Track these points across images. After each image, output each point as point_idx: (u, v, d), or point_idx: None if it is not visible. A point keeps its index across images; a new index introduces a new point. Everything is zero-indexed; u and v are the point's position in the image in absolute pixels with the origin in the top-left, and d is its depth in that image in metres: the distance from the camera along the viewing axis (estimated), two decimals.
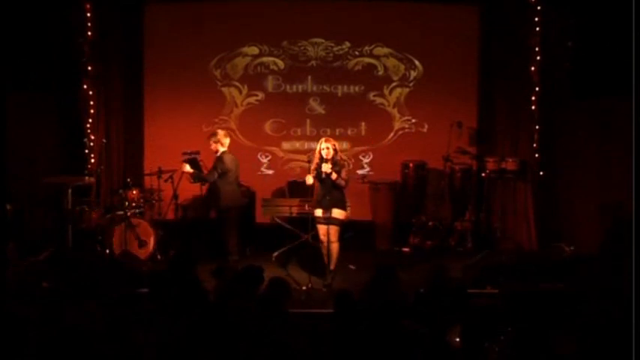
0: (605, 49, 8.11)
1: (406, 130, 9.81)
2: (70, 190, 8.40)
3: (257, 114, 9.76)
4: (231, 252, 8.08)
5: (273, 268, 7.70)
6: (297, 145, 9.81)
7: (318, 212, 7.46)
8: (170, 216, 8.66)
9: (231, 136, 9.29)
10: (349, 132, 9.81)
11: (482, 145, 9.47)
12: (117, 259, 7.91)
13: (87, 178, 8.89)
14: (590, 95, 8.45)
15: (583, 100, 8.65)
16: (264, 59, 9.72)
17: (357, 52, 9.71)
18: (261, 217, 8.73)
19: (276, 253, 8.28)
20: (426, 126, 9.77)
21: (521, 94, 9.20)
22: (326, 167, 7.34)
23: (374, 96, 9.76)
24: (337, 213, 7.42)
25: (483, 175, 9.20)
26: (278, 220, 8.21)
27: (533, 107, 9.10)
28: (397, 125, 9.80)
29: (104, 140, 9.20)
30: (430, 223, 9.20)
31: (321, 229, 7.48)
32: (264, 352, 4.26)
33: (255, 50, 9.70)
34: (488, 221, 9.33)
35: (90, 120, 9.24)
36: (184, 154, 8.19)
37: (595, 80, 8.27)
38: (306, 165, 7.72)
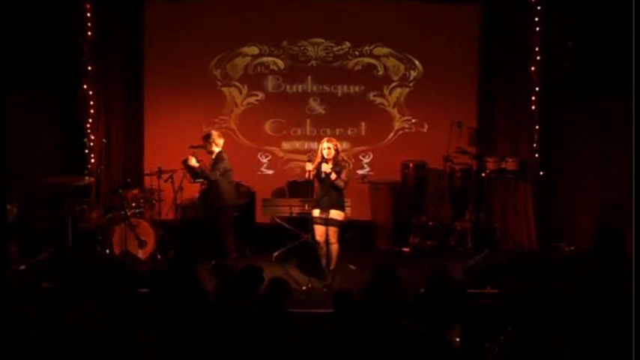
0: (605, 49, 8.11)
1: (406, 130, 9.81)
2: (70, 190, 8.40)
3: (257, 114, 9.75)
4: (229, 250, 8.08)
5: (273, 268, 7.70)
6: (297, 145, 9.80)
7: (316, 212, 7.42)
8: (170, 216, 8.67)
9: (231, 136, 9.33)
10: (349, 132, 9.81)
11: (482, 145, 9.47)
12: (117, 259, 7.91)
13: (87, 178, 8.87)
14: (590, 95, 8.46)
15: (583, 100, 8.66)
16: (264, 59, 9.72)
17: (357, 52, 9.71)
18: (261, 217, 8.74)
19: (276, 253, 8.29)
20: (426, 126, 9.77)
21: (522, 94, 9.20)
22: (326, 167, 7.32)
23: (374, 96, 9.76)
24: (336, 214, 7.39)
25: (483, 175, 9.20)
26: (278, 220, 8.22)
27: (533, 107, 9.10)
28: (397, 125, 9.80)
29: (104, 140, 9.19)
30: (430, 223, 9.20)
31: (318, 229, 7.43)
32: (264, 352, 4.26)
33: (255, 50, 9.70)
34: (488, 221, 9.33)
35: (90, 120, 9.23)
36: (191, 147, 8.14)
37: (595, 80, 8.28)
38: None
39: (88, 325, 4.50)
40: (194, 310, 4.86)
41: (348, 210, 7.61)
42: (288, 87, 9.76)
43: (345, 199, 7.54)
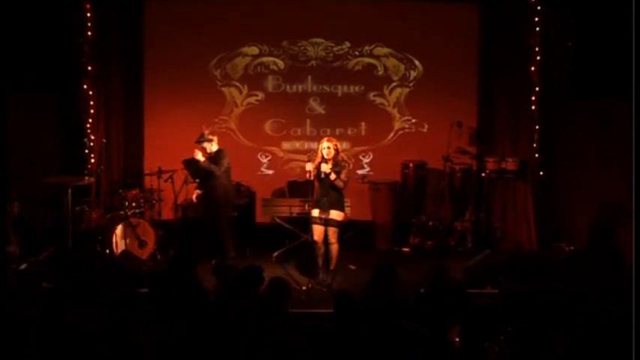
0: (605, 49, 8.11)
1: (406, 130, 9.81)
2: (70, 190, 8.40)
3: (257, 114, 9.75)
4: (228, 249, 8.08)
5: (273, 268, 7.69)
6: (297, 145, 9.81)
7: (315, 212, 7.42)
8: (170, 216, 8.66)
9: (231, 136, 9.34)
10: (349, 132, 9.81)
11: (482, 145, 9.48)
12: (117, 259, 7.91)
13: (87, 178, 8.89)
14: (590, 95, 8.45)
15: (583, 100, 8.65)
16: (264, 59, 9.72)
17: (357, 52, 9.71)
18: (261, 217, 8.73)
19: (276, 253, 8.28)
20: (426, 126, 9.77)
21: (521, 93, 9.21)
22: (325, 167, 7.32)
23: (374, 96, 9.76)
24: (335, 214, 7.39)
25: (483, 175, 9.20)
26: (278, 220, 8.21)
27: (533, 107, 9.11)
28: (397, 125, 9.80)
29: (104, 140, 9.20)
30: (430, 223, 9.21)
31: (317, 229, 7.42)
32: (264, 352, 4.26)
33: (255, 50, 9.70)
34: (488, 221, 9.33)
35: (90, 120, 9.23)
36: (197, 142, 8.11)
37: (595, 80, 8.27)
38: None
39: (88, 325, 4.50)
40: (194, 310, 4.85)
41: (347, 210, 7.60)
42: (288, 87, 9.76)
43: (345, 199, 7.53)
